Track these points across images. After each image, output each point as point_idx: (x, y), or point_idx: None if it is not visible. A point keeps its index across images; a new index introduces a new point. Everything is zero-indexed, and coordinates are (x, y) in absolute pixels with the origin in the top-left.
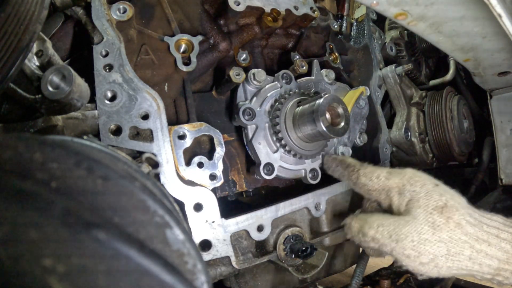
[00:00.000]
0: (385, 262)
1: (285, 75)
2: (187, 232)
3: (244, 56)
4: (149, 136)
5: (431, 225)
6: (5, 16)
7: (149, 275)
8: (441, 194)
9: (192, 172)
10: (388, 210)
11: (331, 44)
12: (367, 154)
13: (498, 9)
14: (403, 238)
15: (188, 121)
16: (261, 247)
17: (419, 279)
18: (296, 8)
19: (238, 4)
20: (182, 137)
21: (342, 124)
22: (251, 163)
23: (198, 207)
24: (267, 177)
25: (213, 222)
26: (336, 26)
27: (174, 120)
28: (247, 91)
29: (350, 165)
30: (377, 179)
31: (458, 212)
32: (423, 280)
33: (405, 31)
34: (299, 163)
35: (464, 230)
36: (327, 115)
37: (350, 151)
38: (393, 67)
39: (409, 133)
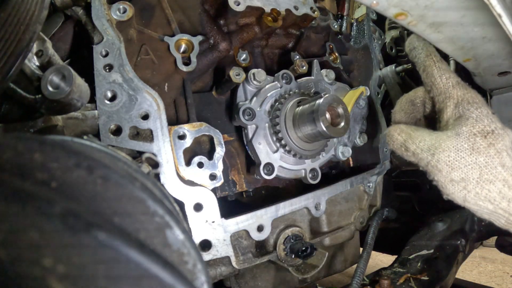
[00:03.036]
0: (385, 262)
1: (285, 75)
2: (187, 232)
3: (244, 56)
4: (149, 136)
5: (471, 145)
6: (5, 16)
7: (149, 275)
8: (492, 122)
9: (192, 172)
10: (437, 115)
11: (331, 44)
12: (367, 154)
13: (498, 9)
14: (440, 152)
15: (188, 121)
16: (261, 247)
17: (418, 279)
18: (296, 8)
19: (238, 4)
20: (182, 137)
21: (342, 124)
22: (251, 163)
23: (198, 207)
24: (267, 177)
25: (213, 222)
26: (336, 26)
27: (174, 120)
28: (247, 91)
29: (433, 53)
30: (446, 80)
31: (503, 141)
32: (423, 280)
33: (405, 31)
34: (299, 163)
35: (503, 160)
36: (327, 115)
37: (350, 151)
38: (393, 67)
39: None
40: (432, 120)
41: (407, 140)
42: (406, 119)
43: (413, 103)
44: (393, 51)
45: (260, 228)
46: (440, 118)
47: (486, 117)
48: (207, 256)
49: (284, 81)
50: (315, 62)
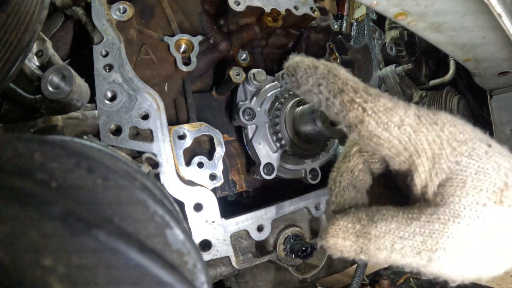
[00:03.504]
0: None
1: (285, 75)
2: (187, 232)
3: (244, 56)
4: (149, 136)
5: (485, 226)
6: (5, 16)
7: (149, 275)
8: (498, 166)
9: (192, 172)
10: (398, 179)
11: (331, 44)
12: None
13: (498, 9)
14: (440, 255)
15: (188, 121)
16: (261, 247)
17: (418, 279)
18: (296, 8)
19: (238, 4)
20: (182, 137)
21: None
22: (251, 163)
23: (198, 207)
24: (267, 177)
25: (213, 222)
26: (336, 26)
27: (174, 120)
28: (247, 91)
29: (348, 86)
30: (398, 131)
31: None
32: (423, 280)
33: (405, 31)
34: (299, 163)
35: None
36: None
37: None
38: (393, 67)
39: None
40: (387, 183)
41: (366, 244)
42: (347, 201)
43: (354, 183)
44: (393, 51)
45: (260, 228)
46: (411, 185)
47: (489, 161)
48: (207, 256)
49: (284, 81)
50: None
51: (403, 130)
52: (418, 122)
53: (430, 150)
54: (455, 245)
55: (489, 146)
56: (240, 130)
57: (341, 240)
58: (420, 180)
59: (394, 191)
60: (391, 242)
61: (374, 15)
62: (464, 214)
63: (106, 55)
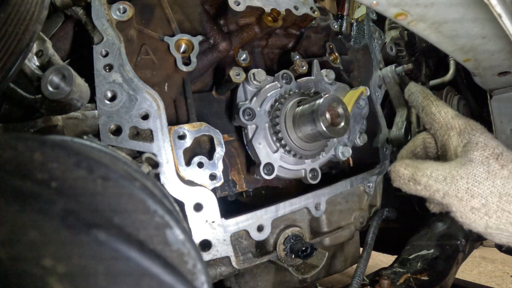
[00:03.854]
0: (385, 262)
1: (285, 75)
2: (187, 232)
3: (244, 56)
4: (149, 136)
5: (487, 169)
6: (5, 16)
7: (149, 275)
8: (498, 144)
9: (192, 172)
10: (440, 151)
11: (331, 44)
12: (367, 154)
13: (498, 9)
14: (458, 180)
15: (188, 121)
16: (261, 247)
17: (418, 279)
18: (296, 8)
19: (238, 4)
20: (182, 137)
21: (342, 124)
22: (251, 163)
23: (198, 207)
24: (267, 177)
25: (213, 222)
26: (336, 26)
27: (174, 120)
28: (247, 91)
29: (429, 94)
30: (445, 114)
31: None
32: (423, 280)
33: (405, 31)
34: (299, 163)
35: None
36: (327, 115)
37: (350, 151)
38: (393, 67)
39: (409, 133)
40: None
41: (416, 172)
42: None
43: (414, 152)
44: (393, 51)
45: (260, 228)
46: (445, 151)
47: (493, 140)
48: (207, 256)
49: (284, 81)
50: (315, 62)
51: (446, 115)
52: (456, 114)
53: (458, 127)
54: (467, 175)
55: (495, 137)
56: (240, 130)
57: (403, 168)
58: (453, 145)
59: None
60: (430, 172)
61: (374, 15)
62: (475, 160)
63: (106, 55)
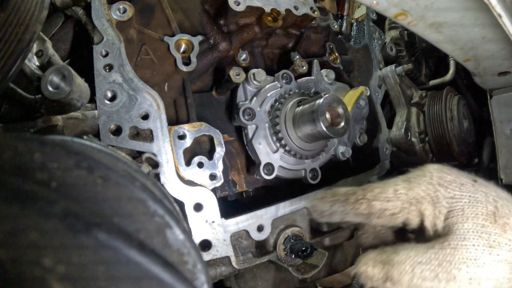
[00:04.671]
0: None
1: (285, 75)
2: (187, 232)
3: (244, 56)
4: (149, 136)
5: (487, 243)
6: (5, 16)
7: (149, 275)
8: (486, 194)
9: (192, 172)
10: (415, 230)
11: (331, 44)
12: (367, 154)
13: (498, 9)
14: (455, 273)
15: (188, 121)
16: (261, 247)
17: None
18: (296, 8)
19: (238, 4)
20: (182, 137)
21: (342, 124)
22: (251, 163)
23: (198, 207)
24: (267, 177)
25: (213, 222)
26: (336, 26)
27: (174, 120)
28: (247, 91)
29: (349, 194)
30: (396, 196)
31: (509, 208)
32: None
33: (405, 31)
34: (299, 163)
35: None
36: (327, 115)
37: (350, 151)
38: (393, 67)
39: (409, 133)
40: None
41: (390, 270)
42: (375, 241)
43: (377, 235)
44: (393, 51)
45: (260, 228)
46: (423, 228)
47: (477, 192)
48: (207, 256)
49: (284, 81)
50: (315, 62)
51: (399, 195)
52: (408, 184)
53: (428, 196)
54: (466, 262)
55: (475, 180)
56: (240, 130)
57: (371, 268)
58: (429, 220)
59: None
60: (411, 267)
61: (374, 15)
62: (469, 236)
63: (106, 55)
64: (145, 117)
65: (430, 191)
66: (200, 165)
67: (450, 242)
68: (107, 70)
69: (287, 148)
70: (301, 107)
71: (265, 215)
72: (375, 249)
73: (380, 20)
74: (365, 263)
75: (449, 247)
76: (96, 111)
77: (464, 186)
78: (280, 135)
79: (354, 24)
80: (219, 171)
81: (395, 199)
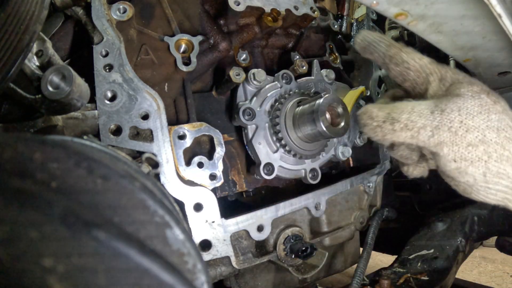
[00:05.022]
0: (385, 262)
1: (285, 75)
2: (187, 232)
3: (244, 56)
4: (149, 136)
5: (479, 103)
6: (5, 16)
7: (149, 275)
8: (483, 84)
9: (192, 172)
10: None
11: (331, 44)
12: (367, 154)
13: (498, 9)
14: (448, 112)
15: (188, 121)
16: (261, 247)
17: (418, 279)
18: (296, 8)
19: (238, 4)
20: (182, 137)
21: (342, 124)
22: (251, 163)
23: (198, 207)
24: (267, 177)
25: (213, 222)
26: (336, 26)
27: (174, 120)
28: (247, 91)
29: (392, 41)
30: (419, 60)
31: (503, 100)
32: (423, 280)
33: (405, 31)
34: (299, 163)
35: (509, 117)
36: (327, 115)
37: (350, 151)
38: None
39: None
40: None
41: (393, 110)
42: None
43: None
44: None
45: (260, 228)
46: (425, 96)
47: (477, 81)
48: (207, 256)
49: (284, 81)
50: (315, 62)
51: (421, 61)
52: (432, 60)
53: (438, 72)
54: (459, 108)
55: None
56: (240, 130)
57: (376, 109)
58: (433, 90)
59: None
60: (411, 106)
61: (374, 15)
62: (465, 94)
63: (106, 55)
64: (145, 117)
65: (442, 70)
66: (200, 165)
67: (447, 97)
68: (107, 70)
69: (287, 148)
70: (301, 107)
71: (265, 215)
72: (383, 97)
73: (380, 20)
74: (373, 106)
75: (446, 99)
76: (96, 111)
77: (467, 77)
78: (280, 135)
79: (354, 24)
80: (219, 171)
81: (418, 61)
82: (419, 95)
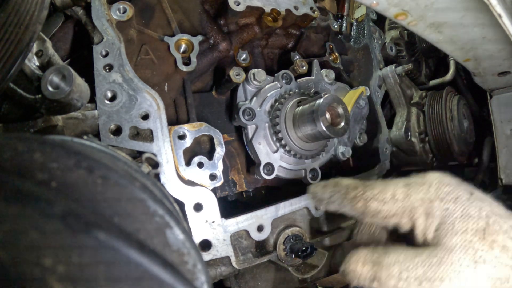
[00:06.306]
0: None
1: (285, 75)
2: (187, 232)
3: (244, 56)
4: (149, 136)
5: (473, 258)
6: (5, 16)
7: (149, 275)
8: (480, 209)
9: (192, 172)
10: (405, 234)
11: (331, 44)
12: (367, 154)
13: (498, 9)
14: (438, 285)
15: (188, 121)
16: (261, 247)
17: None
18: (296, 8)
19: (238, 4)
20: (182, 137)
21: (342, 124)
22: (251, 163)
23: (198, 207)
24: (267, 177)
25: (213, 222)
26: (336, 26)
27: (174, 120)
28: (247, 91)
29: (350, 188)
30: (393, 200)
31: (502, 230)
32: None
33: (405, 31)
34: (299, 163)
35: (511, 253)
36: (327, 115)
37: (350, 151)
38: (393, 67)
39: (409, 133)
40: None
41: (379, 272)
42: (369, 239)
43: (370, 234)
44: (393, 51)
45: (260, 228)
46: (412, 234)
47: (471, 207)
48: (207, 256)
49: (284, 81)
50: (315, 62)
51: (396, 200)
52: (407, 189)
53: (422, 207)
54: (449, 274)
55: (471, 193)
56: (240, 130)
57: (360, 266)
58: (420, 229)
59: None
60: (398, 271)
61: (374, 15)
62: (456, 249)
63: (106, 55)
64: (145, 117)
65: (425, 202)
66: (200, 165)
67: (437, 254)
68: (107, 70)
69: (287, 148)
70: (301, 107)
71: (265, 215)
72: (367, 247)
73: (380, 20)
74: (355, 261)
75: (436, 258)
76: (96, 111)
77: (459, 200)
78: (280, 135)
79: (354, 24)
80: (219, 171)
81: (391, 203)
82: (406, 230)
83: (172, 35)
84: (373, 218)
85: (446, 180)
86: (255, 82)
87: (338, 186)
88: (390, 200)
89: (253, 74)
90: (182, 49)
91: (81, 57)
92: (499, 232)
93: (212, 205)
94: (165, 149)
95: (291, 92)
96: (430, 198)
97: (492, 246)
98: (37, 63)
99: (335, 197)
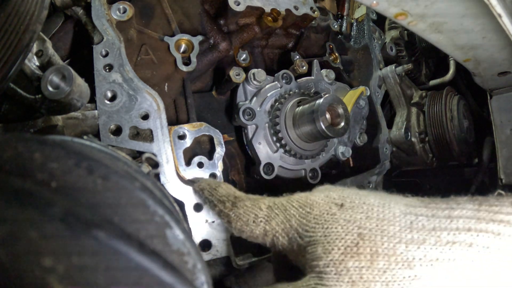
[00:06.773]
0: None
1: (285, 75)
2: (187, 232)
3: (244, 56)
4: (149, 136)
5: (348, 278)
6: (5, 16)
7: (149, 275)
8: (347, 223)
9: (192, 172)
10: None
11: (331, 44)
12: (367, 154)
13: (498, 9)
14: None
15: (188, 121)
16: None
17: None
18: (296, 8)
19: (238, 4)
20: (182, 137)
21: (342, 124)
22: (251, 163)
23: (198, 207)
24: (267, 177)
25: (213, 222)
26: (336, 26)
27: (174, 120)
28: (247, 91)
29: (221, 199)
30: (255, 224)
31: (383, 235)
32: None
33: (405, 31)
34: (299, 163)
35: (400, 256)
36: (327, 115)
37: (350, 151)
38: (393, 67)
39: (409, 133)
40: None
41: None
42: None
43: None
44: (393, 51)
45: None
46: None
47: (336, 222)
48: (207, 256)
49: (284, 81)
50: (315, 62)
51: (258, 223)
52: (269, 213)
53: (282, 230)
54: None
55: (341, 205)
56: (240, 130)
57: None
58: (290, 255)
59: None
60: None
61: (374, 15)
62: (327, 275)
63: (106, 55)
64: (145, 117)
65: (285, 225)
66: (200, 165)
67: (310, 282)
68: (107, 70)
69: (287, 148)
70: (301, 107)
71: None
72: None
73: (380, 20)
74: None
75: (308, 280)
76: (96, 111)
77: (321, 217)
78: (280, 135)
79: (354, 24)
80: (219, 171)
81: (254, 226)
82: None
83: (172, 35)
84: (240, 234)
85: (311, 199)
86: (255, 82)
87: (214, 192)
88: (252, 223)
89: (253, 74)
90: (182, 49)
91: (81, 57)
92: (379, 240)
93: None
94: (165, 149)
95: (291, 92)
96: (290, 220)
97: (372, 262)
98: (37, 63)
99: (213, 202)
